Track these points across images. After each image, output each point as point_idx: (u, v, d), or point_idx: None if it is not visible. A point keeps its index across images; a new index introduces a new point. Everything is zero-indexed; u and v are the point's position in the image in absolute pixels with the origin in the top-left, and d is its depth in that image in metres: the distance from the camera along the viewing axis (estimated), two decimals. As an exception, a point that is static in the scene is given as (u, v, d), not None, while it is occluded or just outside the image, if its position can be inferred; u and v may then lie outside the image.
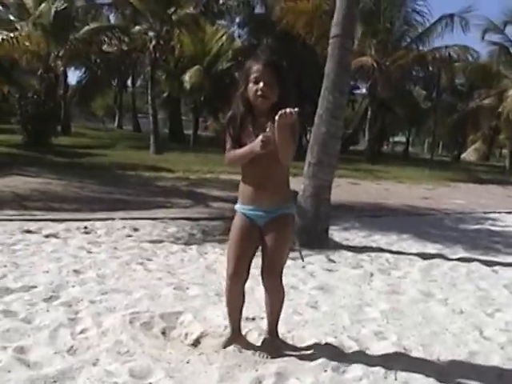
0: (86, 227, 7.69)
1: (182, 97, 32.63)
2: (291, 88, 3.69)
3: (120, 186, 12.35)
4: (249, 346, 3.94)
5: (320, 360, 3.73)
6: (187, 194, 12.08)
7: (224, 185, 13.93)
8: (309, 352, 3.90)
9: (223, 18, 33.63)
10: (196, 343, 3.96)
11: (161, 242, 7.27)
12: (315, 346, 4.04)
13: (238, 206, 3.80)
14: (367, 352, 4.04)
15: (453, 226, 10.56)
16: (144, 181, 13.98)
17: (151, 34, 24.01)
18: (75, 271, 5.53)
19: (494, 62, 35.04)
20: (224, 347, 3.87)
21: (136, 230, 7.86)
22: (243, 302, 3.96)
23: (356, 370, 3.67)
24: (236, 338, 3.97)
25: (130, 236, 7.46)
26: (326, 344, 4.08)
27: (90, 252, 6.40)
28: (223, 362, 3.63)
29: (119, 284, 5.26)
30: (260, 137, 3.40)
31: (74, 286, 5.06)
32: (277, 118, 3.30)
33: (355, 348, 4.08)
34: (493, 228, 10.73)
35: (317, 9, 26.42)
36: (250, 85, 3.56)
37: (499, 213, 12.99)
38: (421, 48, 29.07)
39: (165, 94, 33.96)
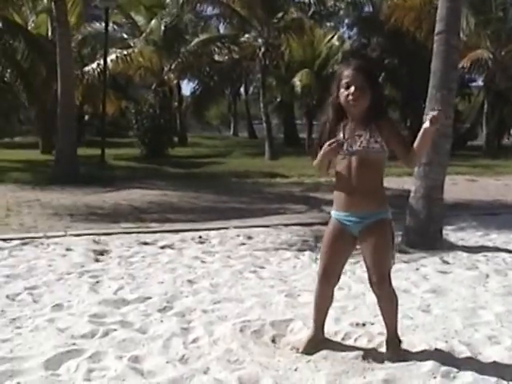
0: (200, 237, 7.90)
1: (294, 101, 32.79)
2: (383, 91, 3.71)
3: (235, 195, 12.60)
4: (329, 347, 3.97)
5: (429, 366, 3.67)
6: (301, 199, 12.15)
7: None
8: (418, 357, 3.84)
9: (332, 20, 33.53)
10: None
11: (274, 249, 7.37)
12: (425, 351, 3.98)
13: (332, 212, 3.84)
14: (479, 357, 3.94)
15: None
16: (259, 188, 14.18)
17: (260, 41, 24.30)
18: (189, 281, 5.70)
19: None
20: (306, 351, 3.90)
21: (250, 238, 7.99)
22: (329, 305, 4.04)
23: (466, 376, 3.58)
24: (318, 340, 4.01)
25: (243, 244, 7.60)
26: (437, 349, 4.01)
27: (203, 262, 6.58)
28: (331, 368, 3.65)
29: (231, 293, 5.38)
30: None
31: (187, 296, 5.23)
32: (427, 124, 3.40)
33: (466, 353, 3.98)
34: None
35: (425, 4, 25.88)
36: (342, 90, 3.60)
37: None
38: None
39: (277, 100, 34.27)
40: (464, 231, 8.82)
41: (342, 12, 32.69)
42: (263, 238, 8.01)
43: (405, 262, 6.75)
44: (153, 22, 25.62)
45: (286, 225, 8.92)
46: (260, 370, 3.64)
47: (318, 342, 3.99)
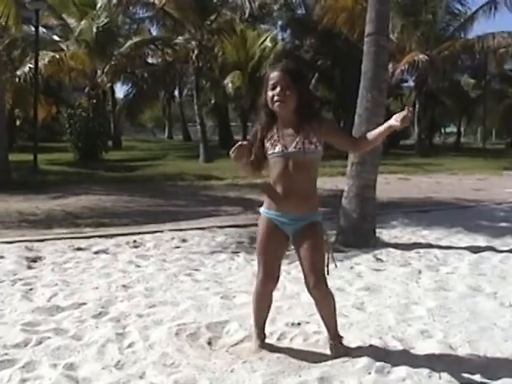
0: (135, 241, 7.82)
1: (228, 103, 32.82)
2: (311, 92, 3.74)
3: (170, 198, 12.52)
4: (273, 349, 3.98)
5: (364, 362, 3.72)
6: (236, 201, 12.16)
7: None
8: (353, 354, 3.89)
9: (265, 22, 33.71)
10: (241, 351, 4.00)
11: (209, 251, 7.34)
12: (360, 348, 4.03)
13: (263, 210, 3.84)
14: (412, 352, 4.02)
15: (504, 217, 10.37)
16: (193, 190, 14.14)
17: (193, 43, 24.23)
18: (124, 286, 5.62)
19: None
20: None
21: (184, 240, 7.95)
22: (270, 306, 4.06)
23: (400, 370, 3.64)
24: (262, 343, 4.02)
25: (178, 247, 7.55)
26: (371, 346, 4.07)
27: (138, 266, 6.50)
28: (267, 369, 3.66)
29: (166, 296, 5.34)
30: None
31: (122, 301, 5.15)
32: (398, 121, 3.43)
33: (400, 348, 4.06)
34: (547, 217, 10.51)
35: (356, 5, 26.30)
36: (268, 92, 3.61)
37: (554, 200, 12.71)
38: (464, 36, 28.58)
39: (212, 102, 34.22)
40: (397, 229, 8.98)
41: (275, 14, 32.85)
42: (198, 241, 7.97)
43: (339, 260, 6.79)
44: (83, 22, 25.11)
45: (221, 227, 8.92)
46: (196, 372, 3.62)
47: (259, 349, 4.00)
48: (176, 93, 48.88)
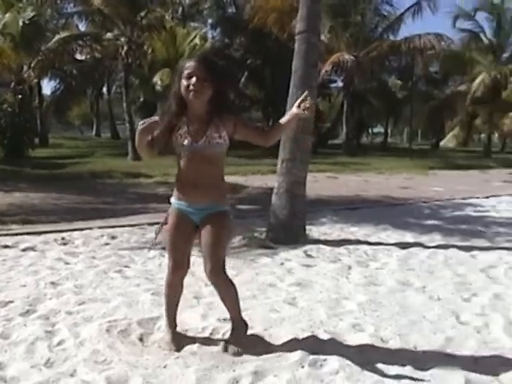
0: (63, 238, 7.64)
1: (157, 101, 32.50)
2: (228, 86, 3.74)
3: (98, 195, 12.31)
4: (183, 340, 4.02)
5: (297, 356, 3.74)
6: (165, 199, 11.98)
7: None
8: (286, 349, 3.91)
9: (195, 20, 33.56)
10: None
11: (139, 248, 7.24)
12: (292, 342, 4.05)
13: (173, 201, 3.86)
14: (344, 345, 4.06)
15: (431, 214, 10.63)
16: (122, 188, 13.95)
17: (123, 39, 23.88)
18: (52, 283, 5.48)
19: (466, 49, 35.46)
20: (170, 348, 3.91)
21: (114, 237, 7.82)
22: (180, 295, 4.08)
23: (333, 363, 3.68)
24: (174, 333, 4.04)
25: (107, 244, 7.42)
26: (303, 339, 4.10)
27: (67, 263, 6.35)
28: (200, 364, 3.64)
29: (96, 293, 5.23)
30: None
31: (51, 299, 5.02)
32: (297, 110, 3.59)
33: (332, 342, 4.10)
34: (471, 213, 10.83)
35: (287, 5, 26.49)
36: (183, 81, 3.56)
37: (477, 198, 13.11)
38: (393, 38, 29.18)
39: (140, 100, 33.87)
40: (326, 226, 9.07)
41: (205, 12, 32.76)
42: (127, 238, 7.86)
43: (269, 257, 6.85)
44: (8, 15, 24.36)
45: (150, 224, 8.80)
46: (128, 369, 3.56)
47: (179, 336, 4.03)
48: (104, 90, 48.18)
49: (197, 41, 29.19)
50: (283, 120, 3.73)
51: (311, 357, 3.74)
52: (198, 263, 6.28)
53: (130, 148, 23.19)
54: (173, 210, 3.87)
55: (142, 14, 23.65)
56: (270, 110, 41.20)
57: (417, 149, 35.68)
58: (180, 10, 26.32)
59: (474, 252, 7.24)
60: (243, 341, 3.97)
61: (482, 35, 34.28)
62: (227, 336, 4.14)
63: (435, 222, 9.67)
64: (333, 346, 4.01)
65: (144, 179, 15.75)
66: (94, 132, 51.09)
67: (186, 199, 3.76)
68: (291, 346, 3.97)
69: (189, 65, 3.57)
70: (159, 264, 6.45)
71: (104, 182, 15.11)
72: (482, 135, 63.08)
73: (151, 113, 34.21)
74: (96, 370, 3.54)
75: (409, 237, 8.25)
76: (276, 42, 30.12)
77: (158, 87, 27.24)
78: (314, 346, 3.99)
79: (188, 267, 3.94)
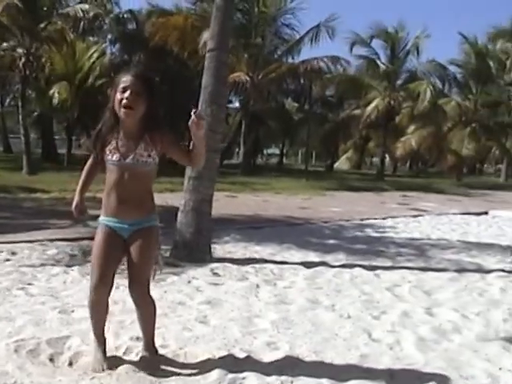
0: (-42, 254, 7.24)
1: (54, 115, 31.69)
2: (160, 103, 3.66)
3: (-8, 210, 11.77)
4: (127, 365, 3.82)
5: (215, 375, 3.68)
6: (64, 214, 11.60)
7: (101, 204, 13.57)
8: (204, 368, 3.82)
9: (94, 34, 32.98)
10: (87, 367, 3.78)
11: (41, 265, 6.94)
12: (209, 361, 3.98)
13: (101, 218, 3.73)
14: (261, 363, 4.02)
15: (332, 234, 10.80)
16: (19, 203, 13.38)
17: (20, 50, 23.07)
18: None
19: (362, 74, 36.66)
20: (102, 367, 3.74)
21: (14, 253, 7.47)
22: (107, 314, 3.89)
23: (252, 381, 3.63)
24: (103, 353, 3.86)
25: (8, 260, 7.08)
26: (220, 358, 4.03)
27: (-36, 281, 6.00)
28: (116, 384, 3.49)
29: (0, 311, 4.96)
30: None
31: None
32: (192, 125, 3.38)
33: (249, 360, 4.05)
34: (371, 234, 11.10)
35: (187, 24, 26.54)
36: (117, 94, 3.47)
37: (375, 219, 13.45)
38: (291, 60, 29.73)
39: (35, 113, 32.89)
40: (230, 244, 9.04)
41: (105, 27, 32.27)
42: (28, 254, 7.53)
43: (176, 275, 6.73)
44: None
45: (51, 240, 8.50)
46: (40, 392, 3.37)
47: (104, 357, 3.82)
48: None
49: (95, 55, 28.77)
50: (192, 144, 3.58)
51: (230, 375, 3.70)
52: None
53: (25, 162, 22.39)
54: (101, 226, 3.71)
55: (42, 25, 22.93)
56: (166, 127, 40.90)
57: (312, 170, 36.24)
58: (81, 24, 25.67)
59: (378, 271, 7.39)
60: (157, 360, 3.85)
61: (377, 61, 35.49)
62: (141, 355, 4.01)
63: (337, 242, 9.82)
64: (250, 365, 3.96)
65: (41, 194, 15.19)
66: (-16, 145, 49.15)
67: (114, 215, 3.63)
68: (208, 364, 3.90)
69: (125, 79, 3.47)
70: (63, 281, 6.22)
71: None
72: (374, 158, 65.43)
73: (46, 126, 33.49)
74: (4, 394, 3.33)
75: (313, 256, 8.33)
76: (176, 59, 30.06)
77: (55, 100, 26.57)
78: (231, 364, 3.93)
79: (112, 285, 3.73)
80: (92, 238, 8.64)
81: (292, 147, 58.77)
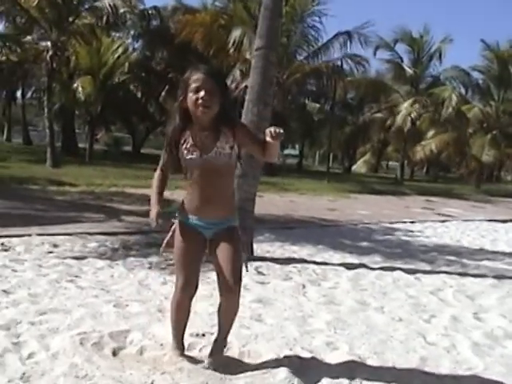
0: (3, 244, 7.30)
1: (77, 109, 31.79)
2: (231, 99, 3.65)
3: (26, 201, 11.81)
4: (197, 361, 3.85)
5: (284, 374, 3.70)
6: (96, 208, 11.72)
7: (131, 199, 13.68)
8: (270, 366, 3.85)
9: (119, 29, 33.02)
10: (154, 362, 3.81)
11: (84, 257, 7.00)
12: (273, 359, 4.00)
13: (182, 217, 3.71)
14: (324, 362, 4.05)
15: (365, 237, 10.79)
16: (49, 195, 13.44)
17: (47, 43, 23.13)
18: (4, 291, 5.21)
19: (383, 77, 36.57)
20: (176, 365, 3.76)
21: (56, 246, 7.54)
22: (189, 315, 3.93)
23: (320, 381, 3.66)
24: (182, 354, 3.91)
25: (51, 252, 7.14)
26: (285, 357, 4.05)
27: (14, 270, 6.05)
28: (189, 380, 3.53)
29: (55, 303, 5.01)
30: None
31: (7, 308, 4.77)
32: (271, 139, 3.30)
33: (312, 359, 4.08)
34: (402, 237, 11.08)
35: (214, 22, 26.55)
36: (190, 94, 3.45)
37: (404, 222, 13.45)
38: (316, 62, 29.55)
39: (56, 106, 33.01)
40: (267, 244, 9.05)
41: (129, 22, 32.30)
42: (70, 247, 7.59)
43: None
44: None
45: (91, 233, 8.55)
46: (114, 384, 3.41)
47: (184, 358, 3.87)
48: (18, 94, 46.63)
49: (120, 51, 28.87)
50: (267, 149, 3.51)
51: (298, 375, 3.70)
52: (152, 276, 6.22)
53: (49, 155, 22.47)
54: (182, 225, 3.70)
55: (71, 19, 23.01)
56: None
57: (331, 172, 36.20)
58: (109, 18, 25.73)
59: (418, 275, 7.40)
60: (226, 357, 3.90)
61: (401, 65, 35.43)
62: (204, 352, 4.04)
63: (371, 244, 9.83)
64: (314, 363, 4.00)
65: (69, 187, 15.23)
66: (4, 137, 49.37)
67: (198, 214, 3.63)
68: (273, 363, 3.92)
69: (196, 77, 3.44)
70: (110, 275, 6.27)
71: (28, 188, 14.50)
72: (390, 162, 65.29)
73: (68, 120, 33.55)
74: (80, 385, 3.37)
75: (351, 258, 8.34)
76: (199, 57, 30.05)
77: (79, 94, 26.66)
78: (296, 363, 3.96)
79: (197, 285, 3.77)
80: (130, 233, 8.75)
81: (311, 148, 58.67)
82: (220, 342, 3.92)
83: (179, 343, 3.93)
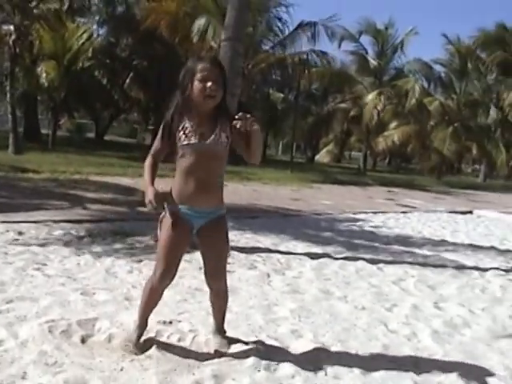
0: (-34, 232, 7.27)
1: (40, 94, 31.39)
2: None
3: (-12, 188, 11.72)
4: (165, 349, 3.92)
5: (250, 360, 3.80)
6: (60, 196, 11.67)
7: (95, 186, 13.65)
8: (236, 353, 3.93)
9: (84, 15, 32.68)
10: (123, 350, 3.86)
11: (50, 245, 7.00)
12: (239, 347, 4.08)
13: (171, 206, 3.73)
14: (290, 350, 4.15)
15: (328, 227, 10.92)
16: (12, 182, 13.30)
17: (10, 27, 22.74)
18: (-32, 280, 5.21)
19: (348, 69, 36.78)
20: (142, 351, 3.83)
21: (21, 233, 7.50)
22: (158, 302, 3.97)
23: (286, 368, 3.76)
24: (138, 338, 3.96)
25: (16, 240, 7.12)
26: (250, 344, 4.14)
27: (-23, 259, 6.04)
28: (158, 367, 3.59)
29: (22, 291, 5.01)
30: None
31: (-29, 296, 4.78)
32: (242, 125, 3.41)
33: (278, 346, 4.18)
34: (365, 228, 11.24)
35: (180, 10, 26.41)
36: (196, 83, 3.50)
37: (366, 213, 13.61)
38: (281, 52, 29.61)
39: (19, 91, 32.52)
40: (231, 233, 8.82)
41: (94, 8, 32.00)
42: (35, 234, 7.57)
43: (187, 261, 6.81)
44: None
45: (56, 221, 8.52)
46: (84, 372, 3.46)
47: (138, 341, 3.91)
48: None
49: (85, 36, 28.57)
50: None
51: (264, 361, 3.80)
52: (118, 264, 6.25)
53: (12, 141, 22.16)
54: (171, 214, 3.70)
55: (35, 2, 22.63)
56: (149, 113, 40.90)
57: (294, 162, 36.34)
58: (67, 3, 25.37)
59: (380, 265, 7.53)
60: (228, 341, 4.07)
61: (365, 57, 35.70)
62: (172, 339, 4.12)
63: (334, 235, 9.96)
64: (280, 351, 4.09)
65: (33, 174, 15.10)
66: (-37, 122, 48.53)
67: (189, 203, 3.64)
68: (240, 350, 4.00)
69: (202, 66, 3.50)
70: (77, 263, 6.27)
71: (-11, 175, 14.36)
72: (353, 152, 65.75)
73: (30, 105, 33.08)
74: (49, 373, 3.42)
75: (315, 248, 8.45)
76: (165, 45, 29.92)
77: (42, 79, 26.32)
78: (262, 350, 4.05)
79: (175, 275, 3.81)
80: (96, 221, 8.73)
81: (275, 138, 58.81)
82: (218, 328, 4.09)
83: (141, 325, 3.97)
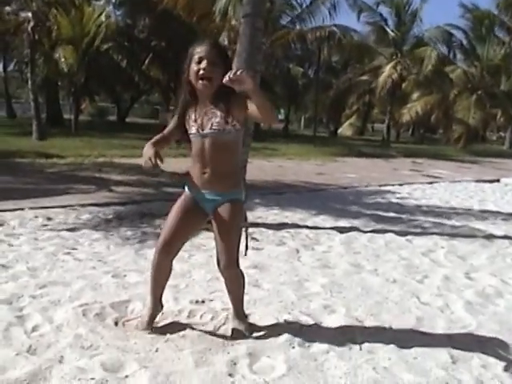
0: (-4, 219, 7.32)
1: (60, 80, 31.47)
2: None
3: (15, 175, 11.78)
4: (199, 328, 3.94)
5: (284, 337, 3.79)
6: (87, 180, 11.72)
7: (120, 169, 13.67)
8: (271, 330, 3.94)
9: (99, -2, 32.56)
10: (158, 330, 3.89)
11: (79, 229, 7.04)
12: (274, 323, 4.10)
13: (186, 187, 3.77)
14: (323, 325, 4.14)
15: (355, 200, 10.88)
16: (38, 168, 13.40)
17: (28, 14, 22.75)
18: (2, 266, 5.24)
19: (368, 40, 36.32)
20: (148, 326, 3.87)
21: (50, 219, 7.54)
22: (168, 278, 3.95)
23: (320, 343, 3.75)
24: (157, 314, 3.98)
25: (45, 225, 7.16)
26: (284, 321, 4.14)
27: (10, 245, 6.07)
28: (192, 346, 3.61)
29: (54, 276, 5.05)
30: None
31: (7, 282, 4.80)
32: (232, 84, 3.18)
33: (311, 322, 4.17)
34: (392, 200, 11.18)
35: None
36: (193, 65, 3.45)
37: (392, 185, 13.55)
38: (299, 27, 29.26)
39: (38, 78, 32.63)
40: (258, 210, 9.10)
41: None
42: (64, 219, 7.61)
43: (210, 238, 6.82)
44: None
45: (83, 205, 8.57)
46: (120, 354, 3.48)
47: (150, 323, 3.93)
48: (0, 67, 45.99)
49: (102, 19, 28.46)
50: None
51: (298, 337, 3.79)
52: (147, 246, 6.27)
53: (35, 127, 22.27)
54: (185, 194, 3.77)
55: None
56: (170, 92, 40.81)
57: (318, 136, 36.18)
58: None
59: (409, 237, 7.49)
60: (248, 326, 3.99)
61: (383, 28, 35.22)
62: (204, 318, 4.14)
63: (361, 208, 9.91)
64: (313, 327, 4.09)
65: (58, 160, 15.18)
66: (-14, 110, 48.90)
67: (198, 186, 3.66)
68: (273, 327, 4.01)
69: (199, 49, 3.44)
70: (106, 247, 6.29)
71: (16, 162, 14.43)
72: (376, 124, 65.35)
73: (52, 91, 33.23)
74: (86, 356, 3.43)
75: (342, 221, 8.41)
76: (182, 25, 29.74)
77: (62, 65, 26.34)
78: (296, 326, 4.06)
79: (177, 253, 3.81)
80: (122, 204, 8.77)
81: (296, 113, 58.60)
82: (236, 313, 4.02)
83: (157, 304, 3.96)
